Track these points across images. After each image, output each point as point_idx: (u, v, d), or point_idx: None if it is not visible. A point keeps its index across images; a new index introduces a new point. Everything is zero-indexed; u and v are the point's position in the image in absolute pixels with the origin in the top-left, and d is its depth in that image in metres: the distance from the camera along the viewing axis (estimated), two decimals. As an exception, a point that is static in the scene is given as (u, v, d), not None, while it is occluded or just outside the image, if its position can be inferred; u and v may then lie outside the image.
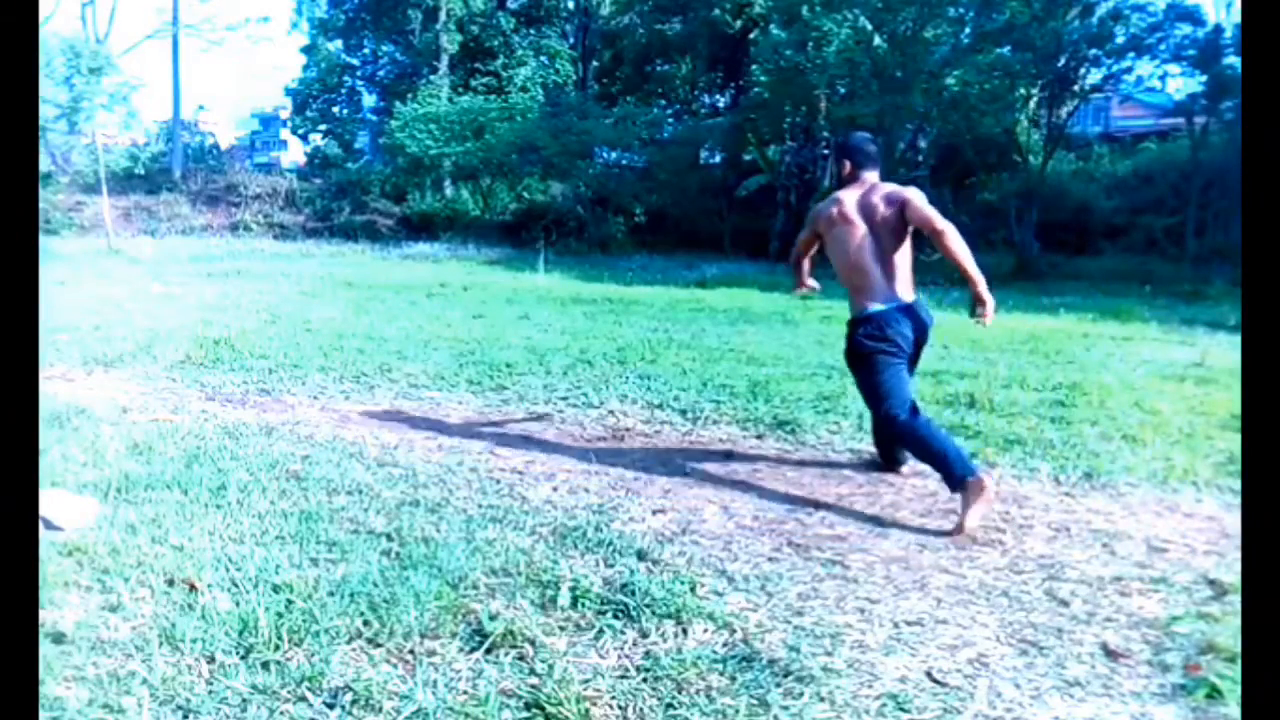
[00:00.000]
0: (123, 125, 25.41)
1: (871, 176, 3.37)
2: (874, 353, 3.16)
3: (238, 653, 1.89)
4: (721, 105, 27.90)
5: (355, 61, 30.81)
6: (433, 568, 2.34)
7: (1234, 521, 2.95)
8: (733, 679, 1.84)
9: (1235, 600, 2.29)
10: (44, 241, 15.39)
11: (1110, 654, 2.01)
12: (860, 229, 3.29)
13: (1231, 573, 2.47)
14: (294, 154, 42.74)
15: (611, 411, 4.46)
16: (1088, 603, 2.29)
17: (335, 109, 31.83)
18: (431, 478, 3.21)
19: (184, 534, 2.54)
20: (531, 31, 28.44)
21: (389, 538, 2.58)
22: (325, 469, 3.26)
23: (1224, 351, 6.72)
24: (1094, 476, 3.45)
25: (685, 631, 2.05)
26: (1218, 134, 16.41)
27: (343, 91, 31.28)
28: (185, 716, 1.69)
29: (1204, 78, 16.04)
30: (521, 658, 1.92)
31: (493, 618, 2.06)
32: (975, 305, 3.15)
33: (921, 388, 5.04)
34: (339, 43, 30.65)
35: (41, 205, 18.86)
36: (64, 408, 4.01)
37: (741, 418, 4.31)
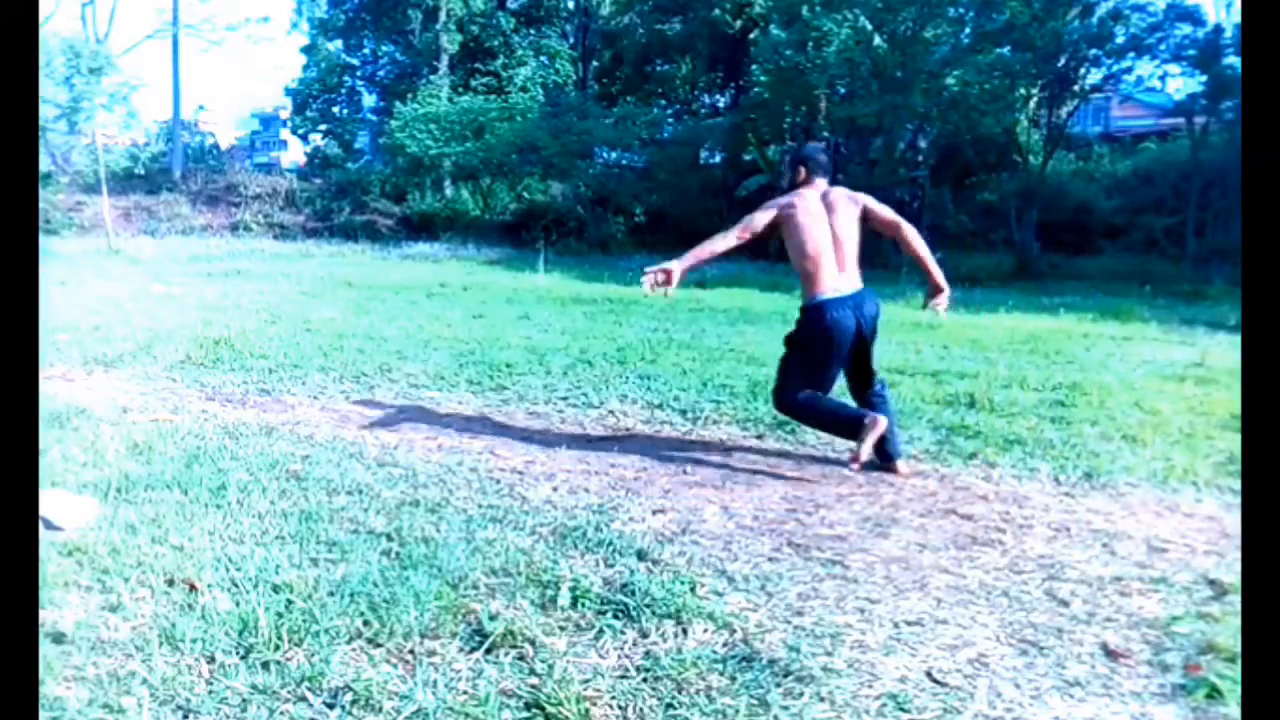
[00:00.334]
0: (123, 125, 25.44)
1: (822, 184, 3.64)
2: (802, 343, 3.54)
3: (238, 653, 1.89)
4: (721, 105, 27.91)
5: (355, 61, 30.82)
6: (433, 568, 2.34)
7: (1234, 521, 2.95)
8: (733, 679, 1.84)
9: (1235, 600, 2.29)
10: (44, 241, 15.39)
11: (1110, 654, 2.01)
12: (821, 222, 3.53)
13: (1231, 573, 2.47)
14: (294, 154, 42.76)
15: (611, 411, 4.46)
16: (1088, 603, 2.29)
17: (335, 109, 31.84)
18: (431, 478, 3.21)
19: (184, 534, 2.54)
20: (531, 31, 28.45)
21: (389, 538, 2.58)
22: (325, 469, 3.26)
23: (1224, 351, 6.72)
24: (1094, 476, 3.45)
25: (685, 631, 2.05)
26: (1218, 134, 16.41)
27: (343, 91, 31.29)
28: (185, 716, 1.69)
29: (1204, 78, 16.05)
30: (521, 658, 1.92)
31: (493, 618, 2.06)
32: (932, 293, 3.65)
33: (921, 388, 5.05)
34: (339, 43, 30.66)
35: (41, 205, 18.86)
36: (64, 408, 4.02)
37: (741, 418, 4.31)
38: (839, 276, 3.52)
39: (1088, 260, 17.53)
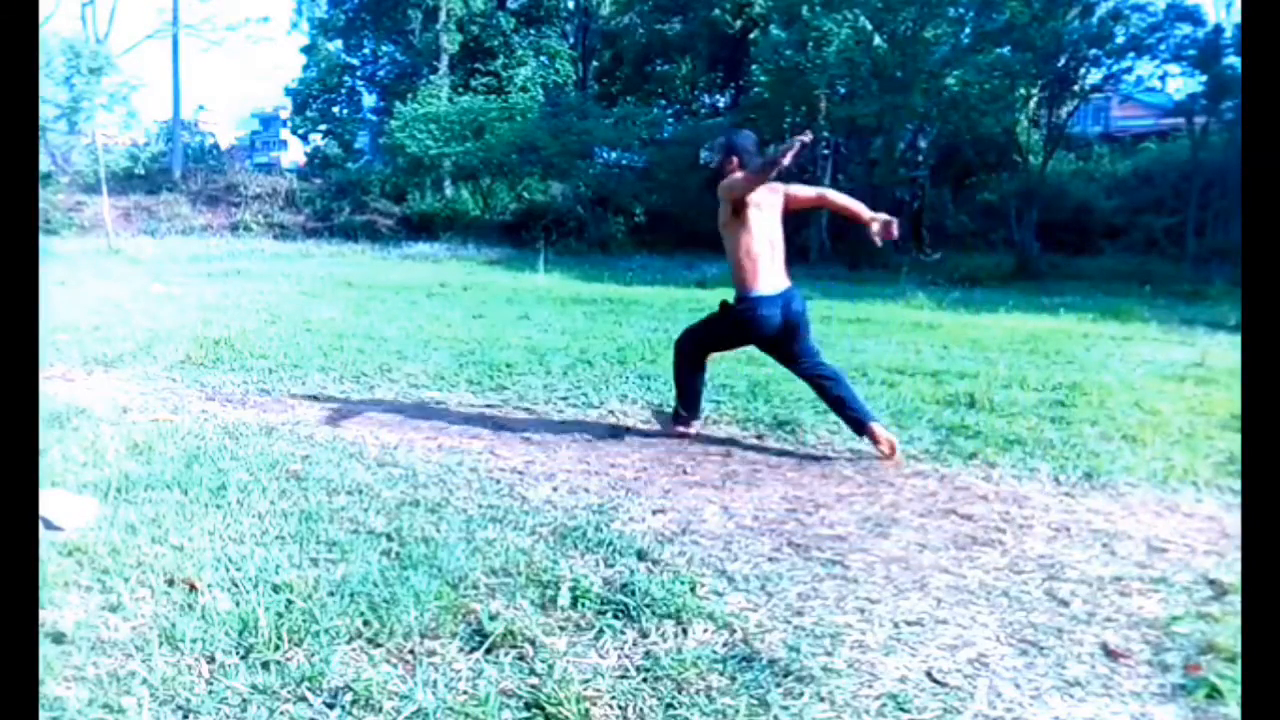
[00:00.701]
0: (123, 125, 25.45)
1: None
2: (727, 325, 3.71)
3: (238, 653, 1.89)
4: (721, 105, 27.92)
5: (355, 61, 30.82)
6: (433, 568, 2.34)
7: (1234, 521, 2.95)
8: (733, 679, 1.84)
9: (1235, 600, 2.29)
10: (44, 241, 15.39)
11: (1110, 654, 2.01)
12: (758, 219, 3.61)
13: (1231, 573, 2.47)
14: (294, 154, 42.76)
15: (611, 411, 4.46)
16: (1088, 603, 2.29)
17: (335, 109, 31.85)
18: (431, 478, 3.21)
19: (184, 534, 2.54)
20: (531, 31, 28.46)
21: (389, 538, 2.58)
22: (325, 469, 3.26)
23: (1224, 351, 6.72)
24: (1094, 476, 3.45)
25: (685, 631, 2.05)
26: (1218, 134, 16.42)
27: (343, 91, 31.29)
28: (185, 716, 1.69)
29: (1204, 78, 16.06)
30: (521, 658, 1.92)
31: (493, 618, 2.06)
32: (881, 231, 3.69)
33: (921, 388, 5.05)
34: (339, 43, 30.67)
35: (41, 205, 18.86)
36: (64, 408, 4.02)
37: (741, 418, 4.31)
38: (774, 273, 3.63)
39: (1088, 260, 17.54)
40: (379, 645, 1.95)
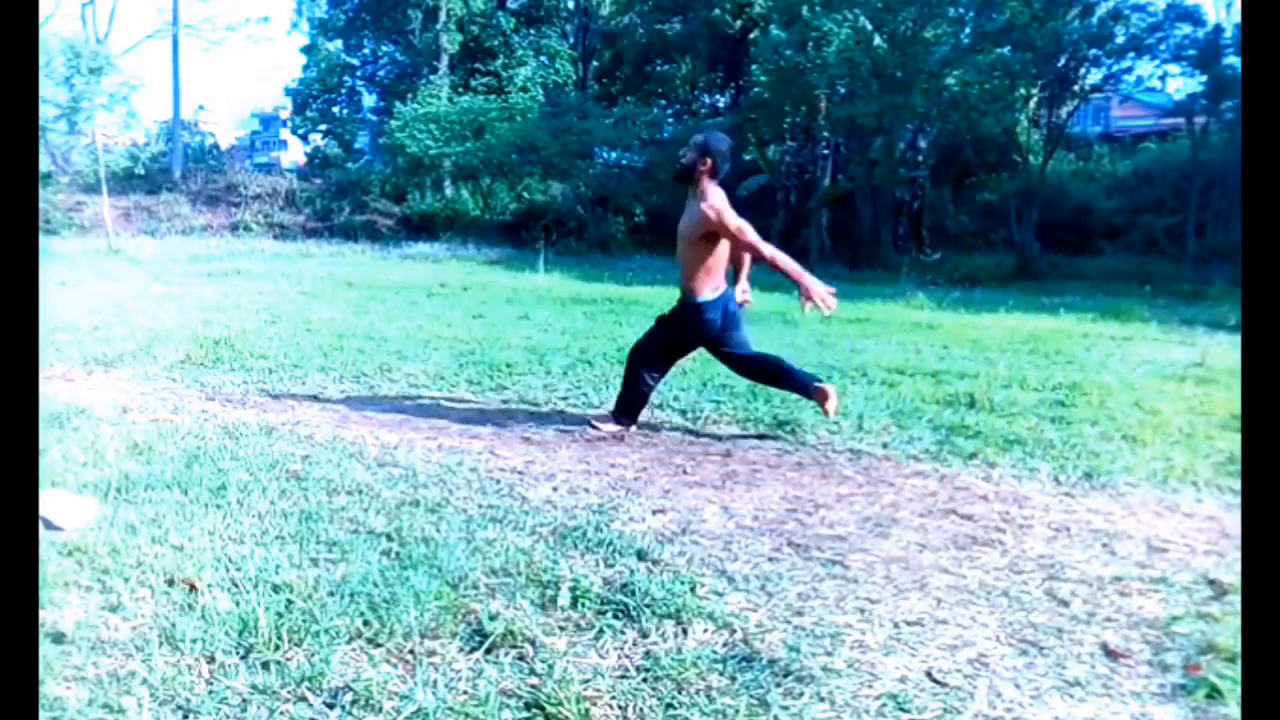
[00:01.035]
0: (123, 125, 25.44)
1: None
2: (678, 330, 4.02)
3: (238, 653, 1.89)
4: (721, 105, 27.91)
5: (355, 61, 30.82)
6: (433, 568, 2.34)
7: (1234, 521, 2.95)
8: (733, 679, 1.84)
9: (1235, 600, 2.29)
10: (44, 241, 15.38)
11: (1110, 654, 2.01)
12: (725, 243, 3.90)
13: (1231, 573, 2.47)
14: (294, 154, 42.75)
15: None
16: (1088, 603, 2.29)
17: (335, 109, 31.85)
18: (431, 478, 3.21)
19: (184, 534, 2.54)
20: (531, 31, 28.46)
21: (389, 538, 2.57)
22: (325, 469, 3.26)
23: (1224, 351, 6.72)
24: (1094, 476, 3.45)
25: (685, 631, 2.05)
26: (1218, 134, 16.42)
27: (343, 91, 31.29)
28: (185, 716, 1.69)
29: (1204, 78, 16.06)
30: (521, 658, 1.92)
31: (493, 618, 2.06)
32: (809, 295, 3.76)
33: (921, 388, 5.05)
34: (339, 43, 30.66)
35: (41, 205, 18.86)
36: (64, 408, 4.01)
37: (741, 418, 4.31)
38: (721, 276, 3.97)
39: (1088, 260, 17.54)
40: (379, 645, 1.95)
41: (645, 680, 1.84)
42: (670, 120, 26.77)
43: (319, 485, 3.05)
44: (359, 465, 3.34)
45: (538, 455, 3.62)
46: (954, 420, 4.27)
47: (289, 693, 1.75)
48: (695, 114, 27.63)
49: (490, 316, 8.35)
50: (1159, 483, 3.39)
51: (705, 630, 2.06)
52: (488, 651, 1.94)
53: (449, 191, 24.60)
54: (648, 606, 2.14)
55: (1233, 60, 15.31)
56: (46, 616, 2.02)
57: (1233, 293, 11.27)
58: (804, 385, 3.92)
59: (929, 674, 1.90)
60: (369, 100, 31.71)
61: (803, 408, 4.45)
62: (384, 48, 30.35)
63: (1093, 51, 16.57)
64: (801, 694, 1.80)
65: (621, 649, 1.97)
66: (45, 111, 20.68)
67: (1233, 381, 5.24)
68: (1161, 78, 17.56)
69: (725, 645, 1.99)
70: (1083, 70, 17.14)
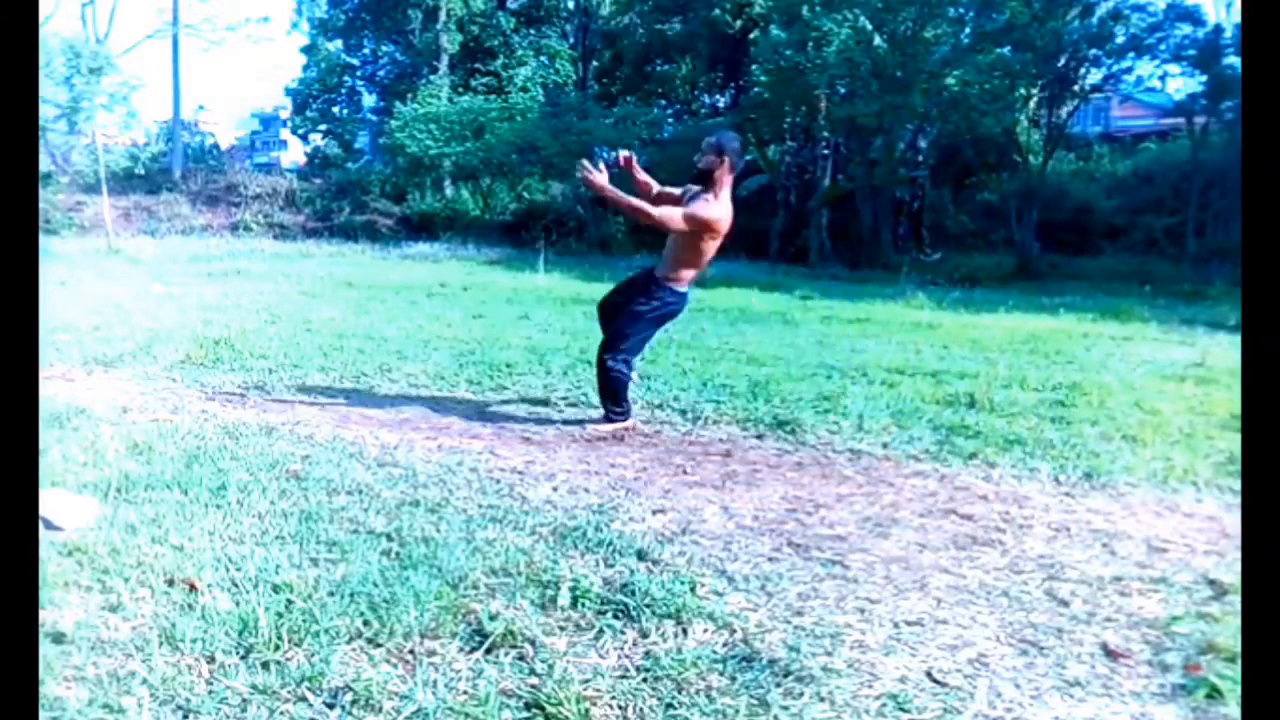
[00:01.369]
0: (123, 125, 25.42)
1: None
2: (657, 315, 4.12)
3: (238, 653, 1.89)
4: (721, 105, 27.90)
5: (355, 61, 30.81)
6: (433, 568, 2.34)
7: (1234, 521, 2.95)
8: (733, 679, 1.84)
9: (1235, 600, 2.29)
10: (44, 241, 15.38)
11: (1110, 654, 2.01)
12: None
13: (1231, 573, 2.47)
14: (294, 154, 42.74)
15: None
16: (1088, 603, 2.29)
17: (335, 109, 31.83)
18: (431, 478, 3.21)
19: (184, 534, 2.54)
20: (531, 31, 28.45)
21: (389, 538, 2.57)
22: (325, 469, 3.26)
23: (1224, 351, 6.72)
24: (1094, 476, 3.45)
25: (685, 631, 2.05)
26: (1218, 134, 16.41)
27: (343, 91, 31.28)
28: (185, 716, 1.69)
29: (1204, 78, 16.05)
30: (521, 658, 1.92)
31: (493, 618, 2.06)
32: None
33: (921, 388, 5.05)
34: (339, 43, 30.65)
35: (41, 205, 18.85)
36: (64, 408, 4.01)
37: (741, 418, 4.31)
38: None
39: (1088, 260, 17.52)
40: (379, 645, 1.95)
41: (645, 680, 1.84)
42: (670, 120, 26.77)
43: (319, 485, 3.05)
44: (359, 465, 3.34)
45: (538, 455, 3.61)
46: (954, 420, 4.27)
47: (289, 693, 1.75)
48: (695, 114, 27.62)
49: (490, 316, 8.35)
50: (1159, 483, 3.39)
51: (705, 630, 2.06)
52: (488, 651, 1.94)
53: (449, 191, 24.58)
54: (648, 606, 2.14)
55: (1233, 60, 15.29)
56: (46, 616, 2.02)
57: (1233, 293, 11.26)
58: (615, 411, 4.14)
59: (929, 674, 1.90)
60: (369, 100, 31.70)
61: (803, 408, 4.45)
62: (384, 48, 30.34)
63: (1093, 51, 16.56)
64: (801, 694, 1.80)
65: (621, 649, 1.97)
66: (45, 111, 20.68)
67: (1233, 381, 5.24)
68: (1161, 78, 17.56)
69: (725, 645, 1.99)
70: (1083, 70, 17.13)
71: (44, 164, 21.33)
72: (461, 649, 1.95)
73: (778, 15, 19.17)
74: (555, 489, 3.14)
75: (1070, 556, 2.61)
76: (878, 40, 16.96)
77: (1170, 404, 4.71)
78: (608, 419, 4.14)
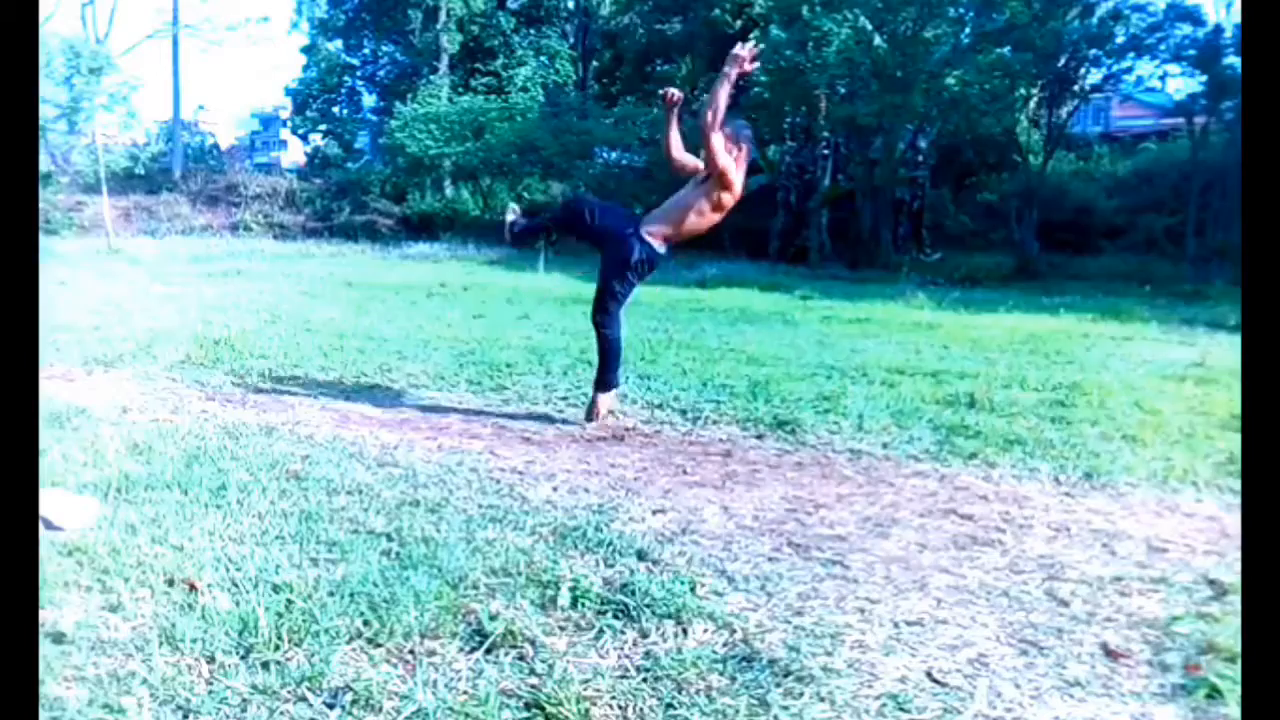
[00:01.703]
0: (123, 125, 25.45)
1: None
2: (636, 267, 4.14)
3: (238, 653, 1.89)
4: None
5: (355, 61, 30.81)
6: (433, 568, 2.34)
7: (1234, 521, 2.94)
8: (733, 679, 1.84)
9: (1235, 600, 2.29)
10: (44, 241, 15.37)
11: (1110, 654, 2.01)
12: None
13: (1231, 573, 2.47)
14: (294, 154, 42.73)
15: (611, 411, 4.46)
16: (1088, 603, 2.29)
17: (335, 109, 31.84)
18: (431, 478, 3.21)
19: (184, 534, 2.54)
20: (531, 31, 28.45)
21: (389, 538, 2.57)
22: (325, 469, 3.26)
23: (1224, 351, 6.72)
24: (1094, 476, 3.45)
25: (685, 631, 2.05)
26: (1218, 134, 16.40)
27: (343, 91, 31.28)
28: (185, 716, 1.69)
29: (1204, 78, 16.04)
30: (521, 658, 1.92)
31: (493, 618, 2.06)
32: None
33: (921, 388, 5.05)
34: (339, 43, 30.65)
35: (41, 205, 18.85)
36: (64, 408, 4.01)
37: (741, 418, 4.31)
38: None
39: (1088, 260, 17.50)
40: (379, 645, 1.95)
41: (645, 680, 1.84)
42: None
43: (319, 485, 3.05)
44: (359, 465, 3.34)
45: (538, 455, 3.61)
46: (954, 420, 4.27)
47: (289, 693, 1.75)
48: (695, 114, 27.58)
49: (490, 316, 8.35)
50: (1159, 483, 3.39)
51: (705, 630, 2.06)
52: (488, 651, 1.94)
53: (449, 191, 24.59)
54: (648, 606, 2.14)
55: (1233, 60, 15.28)
56: (46, 616, 2.02)
57: (1233, 293, 11.25)
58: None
59: (929, 674, 1.90)
60: (369, 100, 31.72)
61: (803, 407, 4.45)
62: (384, 48, 30.34)
63: (1093, 51, 16.55)
64: (801, 694, 1.80)
65: (621, 649, 1.97)
66: (45, 111, 20.69)
67: (1233, 381, 5.24)
68: (1161, 78, 17.54)
69: (725, 645, 1.99)
70: (1083, 70, 17.12)
71: (44, 164, 21.33)
72: (461, 649, 1.95)
73: (778, 15, 19.17)
74: (555, 489, 3.14)
75: (1070, 556, 2.61)
76: (878, 40, 16.95)
77: (1170, 404, 4.71)
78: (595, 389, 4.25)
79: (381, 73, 30.64)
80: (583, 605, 2.16)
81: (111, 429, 3.72)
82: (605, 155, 24.44)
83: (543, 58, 28.23)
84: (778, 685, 1.83)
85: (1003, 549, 2.66)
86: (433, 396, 4.78)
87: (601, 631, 2.04)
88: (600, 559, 2.47)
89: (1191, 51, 15.98)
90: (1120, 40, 16.26)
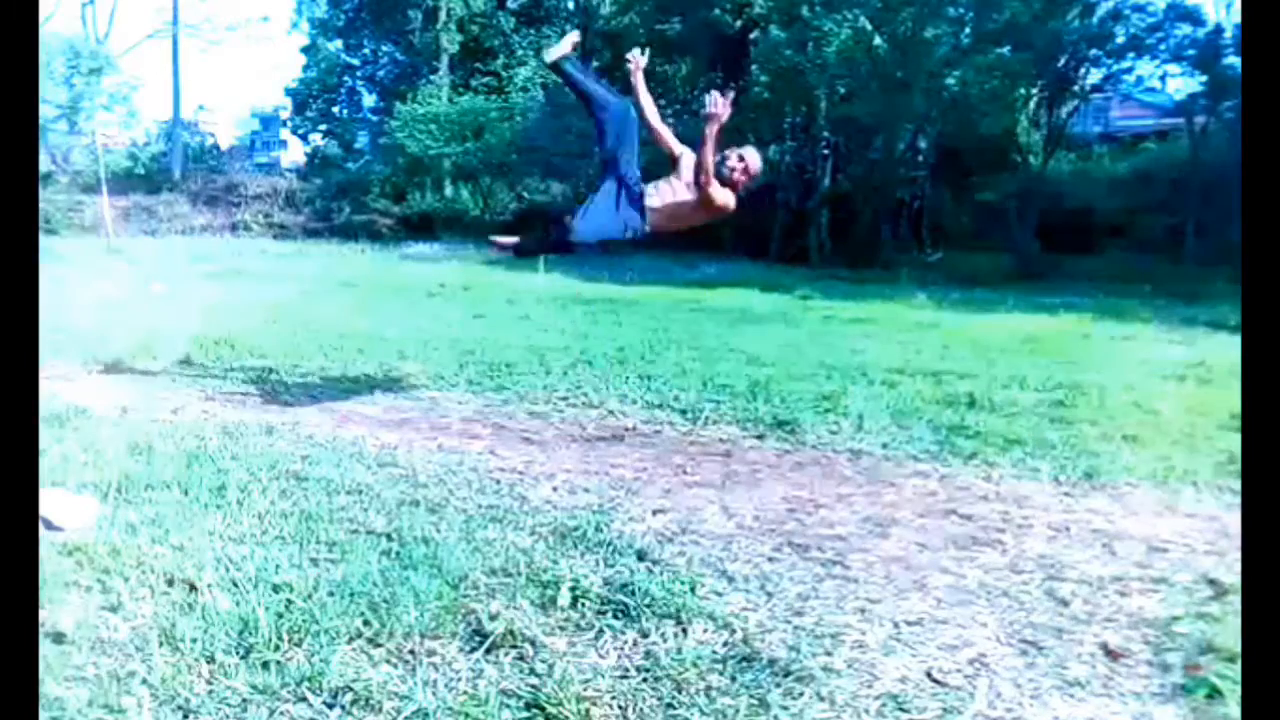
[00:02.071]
0: (123, 125, 25.45)
1: None
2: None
3: (238, 653, 1.89)
4: (722, 105, 27.86)
5: (355, 61, 30.78)
6: (433, 568, 2.34)
7: (1234, 521, 2.94)
8: (733, 679, 1.84)
9: (1235, 600, 2.29)
10: (44, 241, 15.36)
11: (1110, 654, 2.01)
12: None
13: (1231, 573, 2.47)
14: (294, 154, 42.68)
15: (611, 411, 4.46)
16: (1088, 603, 2.29)
17: (335, 109, 31.81)
18: (431, 478, 3.21)
19: (184, 534, 2.54)
20: (531, 31, 28.40)
21: (389, 538, 2.57)
22: (325, 469, 3.26)
23: (1224, 351, 6.71)
24: (1094, 476, 3.45)
25: (685, 631, 2.05)
26: (1218, 134, 16.40)
27: (343, 91, 31.25)
28: (185, 716, 1.69)
29: (1204, 78, 16.04)
30: (521, 658, 1.92)
31: (493, 618, 2.06)
32: None
33: (921, 388, 5.05)
34: (339, 43, 30.62)
35: (41, 205, 18.84)
36: (64, 408, 4.01)
37: (741, 418, 4.31)
38: None
39: (1088, 260, 17.49)
40: (379, 645, 1.95)
41: (645, 680, 1.84)
42: (670, 120, 26.70)
43: (319, 485, 3.05)
44: (359, 465, 3.34)
45: (538, 455, 3.61)
46: (954, 420, 4.26)
47: (289, 693, 1.75)
48: (695, 114, 27.52)
49: (490, 316, 8.35)
50: (1159, 483, 3.39)
51: (705, 630, 2.06)
52: (488, 651, 1.94)
53: (449, 191, 24.55)
54: (648, 606, 2.14)
55: (1233, 60, 15.28)
56: (46, 616, 2.02)
57: (1233, 293, 11.25)
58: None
59: (929, 674, 1.90)
60: (369, 100, 31.66)
61: (803, 408, 4.45)
62: (384, 48, 30.31)
63: (1093, 51, 16.55)
64: (801, 694, 1.80)
65: (621, 649, 1.97)
66: (45, 111, 20.70)
67: (1233, 381, 5.24)
68: (1161, 78, 17.55)
69: (725, 645, 1.99)
70: (1083, 70, 17.12)
71: (44, 164, 21.35)
72: (461, 649, 1.95)
73: (778, 15, 19.16)
74: (555, 489, 3.14)
75: (1070, 556, 2.61)
76: (878, 40, 16.96)
77: (1170, 404, 4.71)
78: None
79: (381, 73, 30.61)
80: (583, 605, 2.16)
81: (111, 429, 3.72)
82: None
83: (543, 57, 28.22)
84: (778, 685, 1.83)
85: (1003, 549, 2.66)
86: (433, 396, 4.77)
87: (601, 631, 2.04)
88: (600, 559, 2.47)
89: (1191, 51, 15.98)
90: (1120, 40, 16.26)
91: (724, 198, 3.83)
